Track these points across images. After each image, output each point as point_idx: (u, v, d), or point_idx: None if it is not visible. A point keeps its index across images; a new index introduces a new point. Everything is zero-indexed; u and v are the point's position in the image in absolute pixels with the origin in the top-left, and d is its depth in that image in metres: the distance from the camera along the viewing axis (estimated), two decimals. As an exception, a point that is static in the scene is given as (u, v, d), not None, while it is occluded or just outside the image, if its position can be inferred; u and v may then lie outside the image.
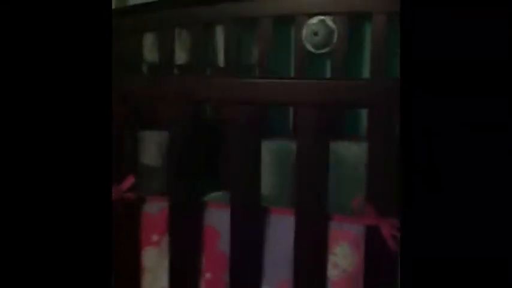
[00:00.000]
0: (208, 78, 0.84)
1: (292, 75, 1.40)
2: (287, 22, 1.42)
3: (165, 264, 0.86)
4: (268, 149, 1.23)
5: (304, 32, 1.31)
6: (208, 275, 0.84)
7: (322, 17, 1.29)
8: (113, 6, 1.56)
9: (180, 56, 1.54)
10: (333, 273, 0.76)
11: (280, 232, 0.79)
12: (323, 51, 1.31)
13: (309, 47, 1.31)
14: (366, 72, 1.38)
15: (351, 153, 1.17)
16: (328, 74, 1.39)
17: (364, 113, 1.37)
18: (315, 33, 1.29)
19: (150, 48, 1.57)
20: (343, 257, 0.76)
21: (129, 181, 0.86)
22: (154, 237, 0.87)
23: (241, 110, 0.78)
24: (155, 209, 0.88)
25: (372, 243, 0.74)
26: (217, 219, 0.84)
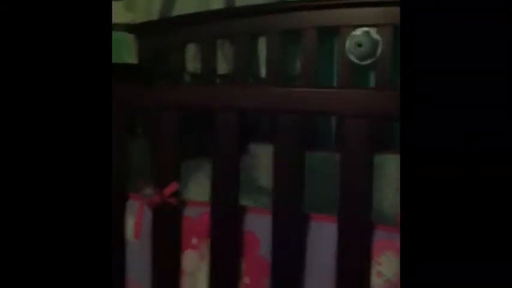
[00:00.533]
0: (254, 87, 0.85)
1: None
2: (331, 33, 1.41)
3: (205, 267, 0.86)
4: (312, 158, 1.22)
5: (348, 43, 1.31)
6: (247, 280, 0.83)
7: (366, 29, 1.28)
8: (157, 17, 1.60)
9: (222, 67, 1.55)
10: (377, 282, 0.74)
11: (322, 239, 0.78)
12: (367, 62, 1.30)
13: (353, 59, 1.30)
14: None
15: (393, 164, 1.16)
16: (373, 86, 1.38)
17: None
18: (359, 45, 1.28)
19: (192, 58, 1.60)
20: (387, 266, 0.74)
21: (173, 187, 0.87)
22: (194, 241, 0.87)
23: (287, 119, 0.78)
24: (196, 213, 0.88)
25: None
26: (258, 225, 0.83)
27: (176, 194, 0.87)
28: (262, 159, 1.22)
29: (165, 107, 0.87)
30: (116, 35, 1.79)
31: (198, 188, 0.96)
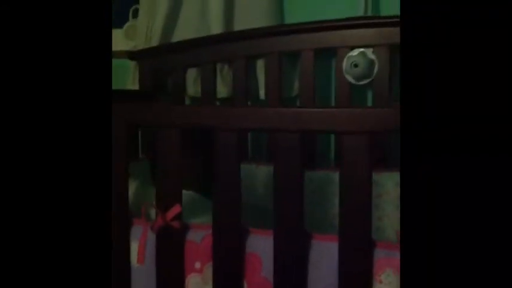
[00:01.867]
0: (254, 107, 0.86)
1: (333, 106, 1.41)
2: (329, 54, 1.44)
3: (209, 291, 0.86)
4: (311, 178, 1.23)
5: (345, 64, 1.32)
6: (251, 302, 0.84)
7: (362, 49, 1.30)
8: (157, 43, 1.63)
9: (222, 90, 1.57)
10: (379, 300, 0.75)
11: (324, 258, 0.79)
12: (364, 82, 1.32)
13: (350, 79, 1.32)
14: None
15: (393, 182, 1.17)
16: (371, 104, 1.40)
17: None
18: (356, 65, 1.30)
19: (193, 82, 1.62)
20: (388, 284, 0.75)
21: (175, 210, 0.87)
22: (197, 265, 0.88)
23: (287, 139, 0.79)
24: (199, 237, 0.89)
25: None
26: (260, 246, 0.84)
27: (179, 217, 0.88)
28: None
29: (165, 127, 0.88)
30: (117, 62, 1.82)
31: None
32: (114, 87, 1.79)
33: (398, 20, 0.66)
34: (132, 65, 1.69)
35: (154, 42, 1.62)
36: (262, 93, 1.50)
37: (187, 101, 1.62)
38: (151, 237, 0.90)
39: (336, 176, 1.15)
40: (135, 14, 1.75)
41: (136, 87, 1.67)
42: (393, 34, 1.29)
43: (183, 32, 1.61)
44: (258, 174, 1.38)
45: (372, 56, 1.30)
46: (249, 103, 1.51)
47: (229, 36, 1.51)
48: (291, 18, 1.53)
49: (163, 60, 1.62)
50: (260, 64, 1.51)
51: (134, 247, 0.92)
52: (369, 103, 1.44)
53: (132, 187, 1.00)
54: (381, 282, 0.75)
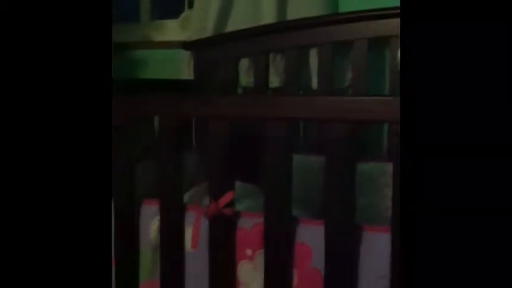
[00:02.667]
0: (304, 97, 0.86)
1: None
2: (382, 44, 1.41)
3: (260, 278, 0.88)
4: (362, 169, 1.22)
5: (399, 53, 1.30)
6: (300, 291, 0.85)
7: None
8: (211, 34, 1.65)
9: (274, 80, 1.58)
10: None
11: (374, 250, 0.79)
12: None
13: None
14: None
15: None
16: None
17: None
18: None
19: (245, 73, 1.63)
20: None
21: (227, 197, 0.89)
22: (248, 252, 0.90)
23: (338, 129, 0.79)
24: (249, 225, 0.90)
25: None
26: (310, 236, 0.84)
27: (231, 204, 0.90)
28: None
29: (216, 117, 0.90)
30: (172, 52, 1.86)
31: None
32: (168, 77, 1.85)
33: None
34: (186, 55, 1.73)
35: (209, 32, 1.65)
36: (314, 83, 1.49)
37: (239, 91, 1.64)
38: (205, 223, 0.93)
39: (389, 167, 1.14)
40: (191, 5, 1.78)
41: (190, 77, 1.70)
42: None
43: (236, 22, 1.63)
44: (309, 165, 1.38)
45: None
46: (301, 93, 1.51)
47: (282, 26, 1.52)
48: (345, 7, 1.52)
49: (216, 50, 1.64)
50: (313, 53, 1.50)
51: (188, 232, 0.95)
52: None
53: (186, 175, 1.03)
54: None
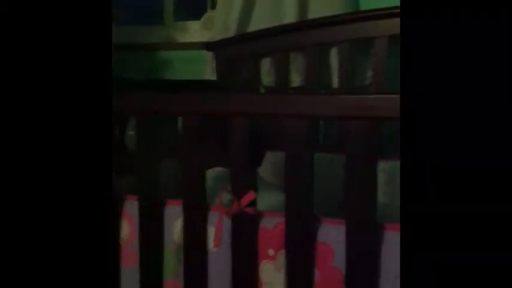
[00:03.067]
0: (324, 96, 0.86)
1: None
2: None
3: (281, 279, 0.88)
4: (381, 169, 1.22)
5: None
6: (322, 291, 0.85)
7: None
8: (233, 34, 1.66)
9: (295, 79, 1.58)
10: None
11: (396, 249, 0.78)
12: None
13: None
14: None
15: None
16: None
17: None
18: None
19: (267, 72, 1.64)
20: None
21: (249, 197, 0.90)
22: (271, 252, 0.90)
23: (358, 127, 0.79)
24: (271, 224, 0.91)
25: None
26: (332, 236, 0.85)
27: (253, 203, 0.90)
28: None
29: (237, 114, 0.90)
30: (195, 53, 1.88)
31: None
32: (191, 77, 1.87)
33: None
34: (209, 55, 1.74)
35: (231, 33, 1.66)
36: (335, 82, 1.49)
37: (261, 91, 1.64)
38: (227, 222, 0.94)
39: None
40: (213, 6, 1.80)
41: (213, 77, 1.72)
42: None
43: (258, 22, 1.64)
44: (330, 164, 1.39)
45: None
46: (322, 91, 1.51)
47: (302, 25, 1.52)
48: (366, 5, 1.51)
49: (238, 50, 1.65)
50: (333, 52, 1.50)
51: (211, 232, 0.96)
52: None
53: (210, 175, 1.04)
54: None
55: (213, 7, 1.81)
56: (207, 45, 1.72)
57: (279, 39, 1.53)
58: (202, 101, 0.93)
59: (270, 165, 1.48)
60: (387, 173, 1.24)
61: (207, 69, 1.77)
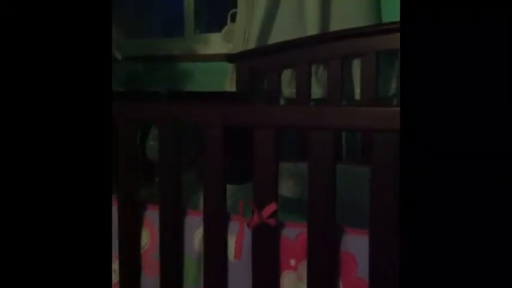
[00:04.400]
0: (347, 107, 0.86)
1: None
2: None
3: (303, 288, 0.87)
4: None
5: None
6: (345, 302, 0.84)
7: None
8: (254, 46, 1.66)
9: (317, 91, 1.58)
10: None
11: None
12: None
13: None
14: None
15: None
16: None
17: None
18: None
19: (288, 84, 1.64)
20: None
21: (271, 208, 0.89)
22: (292, 262, 0.89)
23: (382, 138, 0.78)
24: (294, 235, 0.90)
25: None
26: (355, 246, 0.84)
27: (275, 214, 0.90)
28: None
29: (261, 127, 0.90)
30: (215, 65, 1.89)
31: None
32: (212, 89, 1.88)
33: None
34: (230, 67, 1.75)
35: (251, 44, 1.67)
36: (357, 93, 1.49)
37: (282, 103, 1.64)
38: (248, 233, 0.93)
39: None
40: (233, 18, 1.81)
41: (233, 88, 1.72)
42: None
43: (279, 34, 1.65)
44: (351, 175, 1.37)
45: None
46: (343, 103, 1.50)
47: (325, 37, 1.52)
48: (388, 17, 1.51)
49: (259, 62, 1.66)
50: (356, 64, 1.50)
51: (231, 243, 0.96)
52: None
53: (231, 185, 1.04)
54: None
55: (233, 20, 1.82)
56: (229, 57, 1.73)
57: (302, 51, 1.53)
58: (226, 112, 0.94)
59: (291, 177, 1.48)
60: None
61: (227, 81, 1.78)
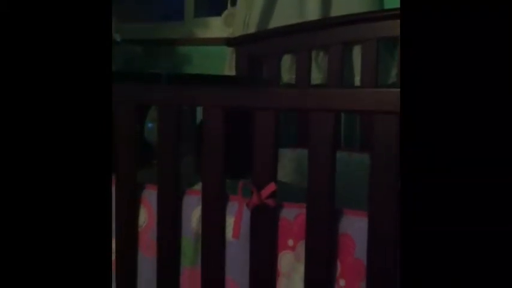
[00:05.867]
0: (349, 89, 0.85)
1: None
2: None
3: (300, 269, 0.88)
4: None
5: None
6: (342, 282, 0.84)
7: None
8: (254, 30, 1.66)
9: (317, 77, 1.58)
10: None
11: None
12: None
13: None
14: None
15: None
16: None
17: None
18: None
19: (288, 69, 1.64)
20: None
21: (270, 188, 0.89)
22: (290, 242, 0.90)
23: (383, 121, 0.78)
24: (292, 215, 0.90)
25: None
26: (354, 227, 0.84)
27: (274, 195, 0.90)
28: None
29: (260, 108, 0.90)
30: (215, 49, 1.88)
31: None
32: (211, 73, 1.87)
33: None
34: (229, 51, 1.74)
35: (252, 29, 1.66)
36: (357, 80, 1.49)
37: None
38: (247, 213, 0.93)
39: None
40: (234, 2, 1.80)
41: (232, 73, 1.72)
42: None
43: (280, 19, 1.64)
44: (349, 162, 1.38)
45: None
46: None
47: (326, 23, 1.51)
48: (390, 3, 1.51)
49: (259, 46, 1.65)
50: (356, 50, 1.49)
51: (230, 222, 0.96)
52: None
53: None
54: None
55: (234, 4, 1.82)
56: (229, 41, 1.72)
57: (302, 36, 1.53)
58: (226, 93, 0.93)
59: (288, 163, 1.48)
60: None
61: (226, 65, 1.77)
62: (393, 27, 1.37)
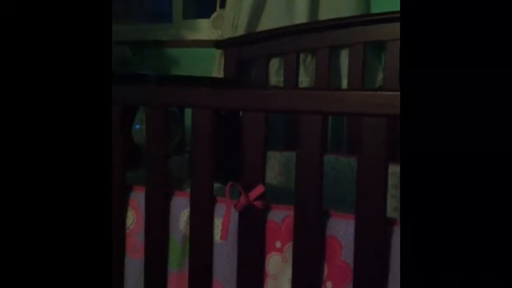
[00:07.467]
0: (337, 91, 0.86)
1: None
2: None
3: (288, 271, 0.88)
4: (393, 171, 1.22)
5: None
6: (329, 285, 0.85)
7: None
8: (243, 32, 1.66)
9: (304, 80, 1.59)
10: None
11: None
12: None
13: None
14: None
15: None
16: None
17: None
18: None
19: (275, 72, 1.64)
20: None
21: (259, 190, 0.90)
22: (278, 244, 0.90)
23: (375, 123, 0.79)
24: (280, 218, 0.91)
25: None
26: (341, 230, 0.85)
27: (262, 197, 0.90)
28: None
29: (249, 109, 0.90)
30: (204, 51, 1.88)
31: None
32: (200, 75, 1.87)
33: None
34: (218, 53, 1.75)
35: (240, 31, 1.66)
36: (344, 83, 1.50)
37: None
38: (235, 215, 0.94)
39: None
40: (223, 4, 1.81)
41: (221, 75, 1.72)
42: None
43: (268, 22, 1.64)
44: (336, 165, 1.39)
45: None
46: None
47: (314, 26, 1.52)
48: (377, 7, 1.52)
49: (247, 49, 1.65)
50: (344, 54, 1.51)
51: (218, 224, 0.96)
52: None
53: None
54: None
55: (222, 6, 1.82)
56: (217, 44, 1.73)
57: (290, 39, 1.54)
58: (216, 94, 0.94)
59: (277, 164, 1.48)
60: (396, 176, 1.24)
61: (215, 67, 1.77)
62: (380, 32, 1.38)
